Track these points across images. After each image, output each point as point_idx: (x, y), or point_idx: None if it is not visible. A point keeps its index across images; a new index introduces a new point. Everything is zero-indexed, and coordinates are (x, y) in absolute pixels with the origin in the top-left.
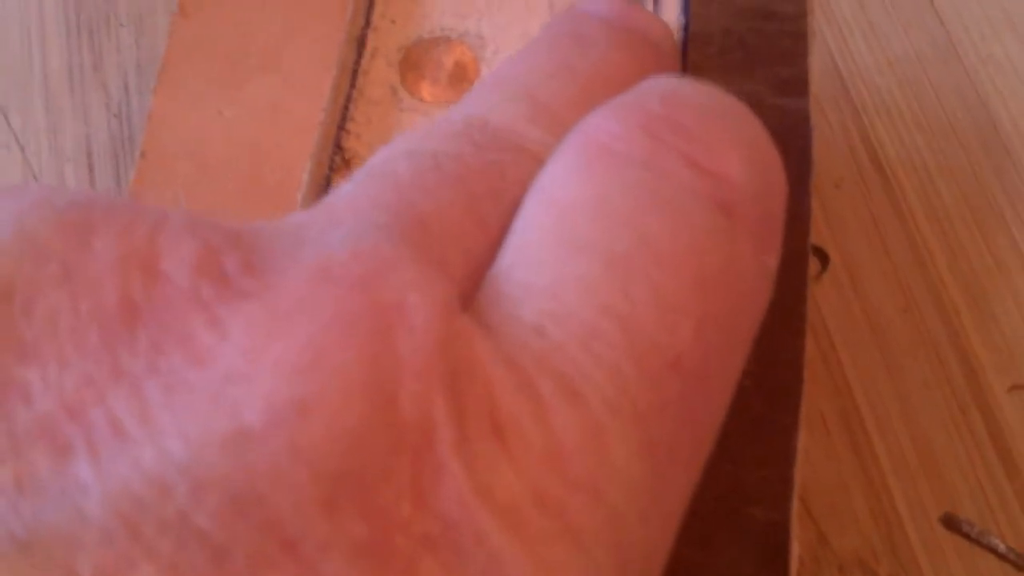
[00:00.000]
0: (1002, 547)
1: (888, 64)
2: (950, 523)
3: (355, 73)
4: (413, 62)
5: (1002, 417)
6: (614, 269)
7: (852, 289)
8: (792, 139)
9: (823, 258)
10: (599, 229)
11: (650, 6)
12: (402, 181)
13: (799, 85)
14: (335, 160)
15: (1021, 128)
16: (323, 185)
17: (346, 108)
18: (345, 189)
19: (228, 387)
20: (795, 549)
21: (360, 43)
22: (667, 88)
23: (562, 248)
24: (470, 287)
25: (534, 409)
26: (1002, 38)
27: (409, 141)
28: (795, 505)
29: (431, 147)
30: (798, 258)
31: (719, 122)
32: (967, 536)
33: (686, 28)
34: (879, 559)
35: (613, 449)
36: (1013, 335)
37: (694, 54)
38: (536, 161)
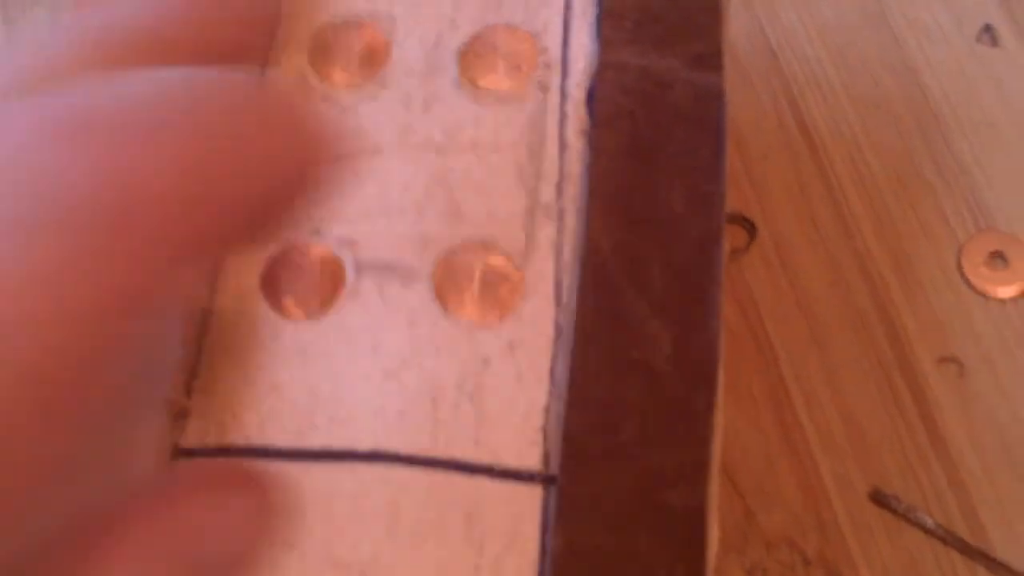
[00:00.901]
0: (930, 522)
1: (817, 33)
2: (878, 499)
3: (263, 60)
4: (323, 47)
5: (930, 391)
6: None
7: (779, 261)
8: (706, 115)
9: (750, 229)
10: None
11: None
12: None
13: (713, 59)
14: None
15: (950, 95)
16: None
17: None
18: None
19: None
20: (713, 534)
21: None
22: None
23: None
24: None
25: None
26: (931, 4)
27: None
28: (713, 489)
29: None
30: (712, 241)
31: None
32: (895, 512)
33: (599, 4)
34: (806, 536)
35: None
36: (940, 306)
37: (608, 30)
38: None
